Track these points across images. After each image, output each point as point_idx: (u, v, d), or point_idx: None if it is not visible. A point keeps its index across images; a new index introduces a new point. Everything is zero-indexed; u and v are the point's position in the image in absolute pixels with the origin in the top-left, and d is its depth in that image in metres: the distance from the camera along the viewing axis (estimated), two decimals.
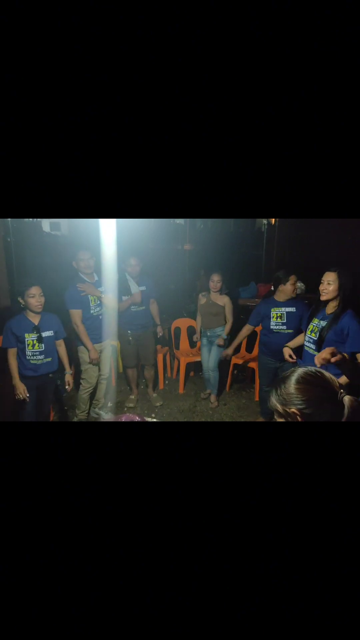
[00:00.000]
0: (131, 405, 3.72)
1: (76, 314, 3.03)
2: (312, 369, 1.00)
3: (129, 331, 3.57)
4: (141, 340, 3.61)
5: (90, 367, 3.17)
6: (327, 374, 0.99)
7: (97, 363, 3.16)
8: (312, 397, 0.93)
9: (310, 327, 2.47)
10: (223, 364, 3.80)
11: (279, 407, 0.95)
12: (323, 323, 2.37)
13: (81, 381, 3.23)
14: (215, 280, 3.56)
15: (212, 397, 3.82)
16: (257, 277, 5.40)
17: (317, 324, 2.42)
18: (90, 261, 3.05)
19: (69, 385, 2.80)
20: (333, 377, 0.99)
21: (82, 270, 3.07)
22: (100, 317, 3.15)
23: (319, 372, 1.00)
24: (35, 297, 2.55)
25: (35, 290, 2.56)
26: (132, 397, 3.80)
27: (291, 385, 0.96)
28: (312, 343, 2.43)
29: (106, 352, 3.31)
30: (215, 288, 3.58)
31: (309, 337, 2.47)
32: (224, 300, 3.62)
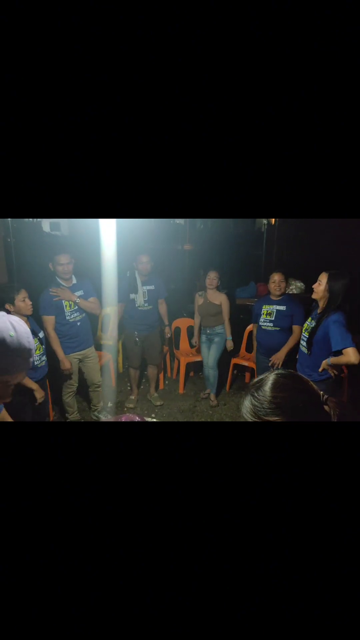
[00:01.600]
0: (131, 405, 3.71)
1: (48, 321, 2.88)
2: (286, 371, 0.94)
3: (135, 332, 3.54)
4: (148, 341, 3.60)
5: (66, 374, 3.09)
6: (303, 376, 0.94)
7: (69, 374, 3.05)
8: (293, 404, 0.86)
9: (305, 325, 2.55)
10: (223, 363, 3.80)
11: (257, 419, 0.87)
12: (313, 324, 2.44)
13: (63, 385, 3.18)
14: (212, 277, 3.56)
15: (212, 396, 3.82)
16: (257, 277, 5.40)
17: (309, 323, 2.49)
18: (69, 266, 2.90)
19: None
20: (308, 379, 0.93)
21: (59, 275, 2.93)
22: (79, 323, 3.02)
23: (294, 374, 0.93)
24: (25, 301, 2.45)
25: (25, 294, 2.46)
26: (132, 397, 3.80)
27: (268, 393, 0.88)
28: (304, 341, 2.51)
29: (91, 360, 3.21)
30: (212, 285, 3.57)
31: (303, 335, 2.56)
32: (221, 299, 3.61)
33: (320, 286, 2.36)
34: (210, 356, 3.72)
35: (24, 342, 0.92)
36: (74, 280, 3.01)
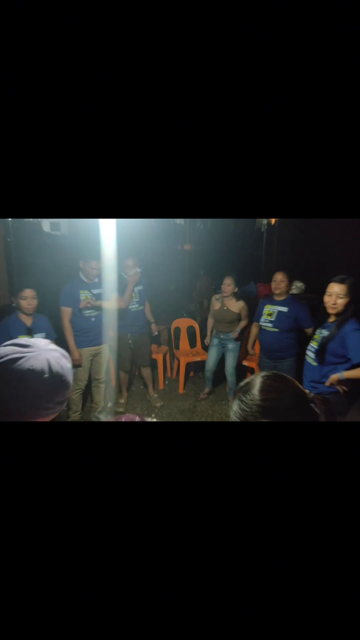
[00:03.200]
0: (121, 409, 3.70)
1: (65, 312, 3.02)
2: (271, 373, 0.94)
3: (129, 334, 3.54)
4: (140, 342, 3.61)
5: (76, 369, 3.14)
6: (288, 376, 0.94)
7: (78, 365, 3.12)
8: (282, 406, 0.87)
9: (315, 336, 2.40)
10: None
11: (246, 420, 0.88)
12: (325, 332, 2.30)
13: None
14: (227, 283, 3.48)
15: (231, 398, 3.80)
16: (257, 277, 5.40)
17: (319, 332, 2.35)
18: (99, 271, 3.05)
19: None
20: (294, 379, 0.93)
21: (85, 274, 3.06)
22: (93, 319, 3.11)
23: (280, 375, 0.93)
24: (26, 300, 2.54)
25: (27, 293, 2.54)
26: (122, 401, 3.77)
27: (257, 396, 0.88)
28: (313, 352, 2.37)
29: (101, 357, 3.27)
30: (226, 292, 3.50)
31: (311, 346, 2.41)
32: (239, 307, 3.54)
33: (342, 299, 2.15)
34: (227, 364, 3.70)
35: (58, 381, 0.89)
36: (96, 279, 3.12)
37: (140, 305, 3.51)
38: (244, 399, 0.89)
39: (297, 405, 0.89)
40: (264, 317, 3.11)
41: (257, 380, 0.91)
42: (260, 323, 3.14)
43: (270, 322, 3.06)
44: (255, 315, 3.29)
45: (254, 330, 3.37)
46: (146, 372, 3.81)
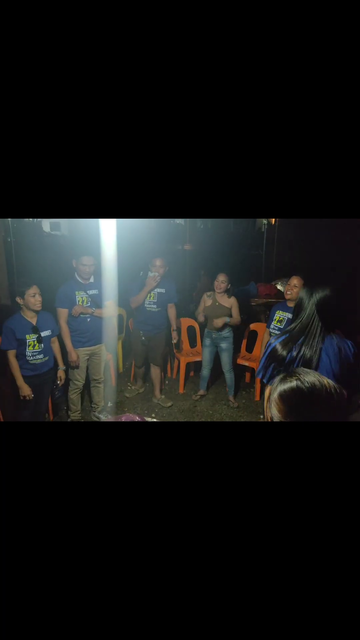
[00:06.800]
0: (127, 395, 3.69)
1: (61, 313, 3.03)
2: (290, 386, 0.87)
3: (141, 331, 3.55)
4: (153, 341, 3.61)
5: (74, 370, 3.17)
6: (309, 381, 0.86)
7: (74, 366, 3.13)
8: (301, 415, 0.85)
9: None
10: (216, 364, 3.79)
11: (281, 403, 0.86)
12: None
13: (69, 382, 3.24)
14: (220, 280, 3.50)
15: (231, 398, 3.80)
16: (257, 277, 5.41)
17: None
18: (92, 267, 3.05)
19: (60, 380, 2.86)
20: (323, 381, 0.86)
21: (79, 273, 3.06)
22: (89, 319, 3.12)
23: (298, 388, 0.86)
24: (35, 297, 2.58)
25: (35, 290, 2.59)
26: (134, 387, 3.75)
27: (275, 399, 0.87)
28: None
29: (98, 357, 3.28)
30: (220, 288, 3.52)
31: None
32: (230, 302, 3.56)
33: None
34: (223, 361, 3.69)
35: None
36: (91, 279, 3.10)
37: (157, 307, 3.52)
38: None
39: (316, 409, 0.86)
40: (273, 324, 3.07)
41: (278, 388, 0.87)
42: (270, 329, 3.11)
43: (279, 329, 3.02)
44: (269, 321, 3.26)
45: (265, 337, 3.36)
46: (155, 371, 3.79)
